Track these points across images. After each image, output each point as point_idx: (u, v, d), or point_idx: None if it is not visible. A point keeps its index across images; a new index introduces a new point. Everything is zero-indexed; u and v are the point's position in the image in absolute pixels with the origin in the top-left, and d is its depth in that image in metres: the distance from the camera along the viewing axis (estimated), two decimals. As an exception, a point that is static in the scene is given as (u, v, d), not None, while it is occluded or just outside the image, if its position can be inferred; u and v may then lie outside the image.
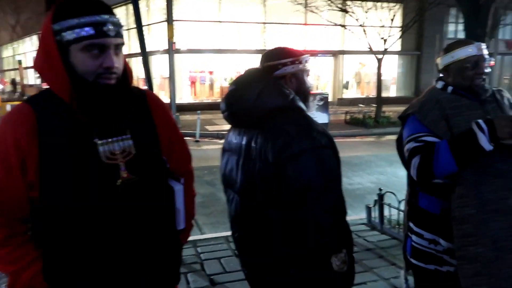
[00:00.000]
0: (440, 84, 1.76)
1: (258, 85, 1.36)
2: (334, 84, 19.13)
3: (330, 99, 13.74)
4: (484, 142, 1.46)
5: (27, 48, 30.98)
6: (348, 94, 19.34)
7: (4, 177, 1.07)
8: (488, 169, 1.55)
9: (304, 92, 1.48)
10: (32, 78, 27.51)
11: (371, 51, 12.61)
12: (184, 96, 16.69)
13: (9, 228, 1.10)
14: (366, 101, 16.53)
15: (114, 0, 16.38)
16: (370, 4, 12.58)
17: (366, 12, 12.53)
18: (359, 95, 19.29)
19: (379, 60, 12.57)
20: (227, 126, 1.61)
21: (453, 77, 1.70)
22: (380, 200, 3.95)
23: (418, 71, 20.06)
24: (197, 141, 10.43)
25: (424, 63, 19.57)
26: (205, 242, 3.72)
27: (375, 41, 12.64)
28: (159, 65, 16.40)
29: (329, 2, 12.66)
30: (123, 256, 1.14)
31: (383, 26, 12.47)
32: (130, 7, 14.28)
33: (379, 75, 12.96)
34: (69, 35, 1.05)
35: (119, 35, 1.10)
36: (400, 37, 13.14)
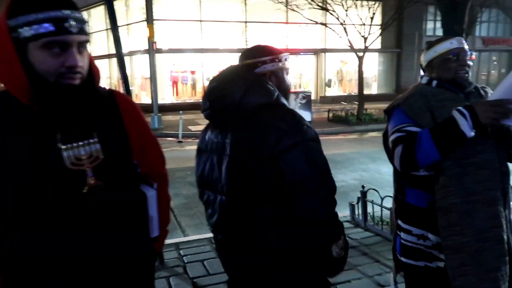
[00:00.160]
0: (425, 80, 1.78)
1: (243, 82, 1.34)
2: (316, 82, 19.24)
3: (312, 97, 13.80)
4: (465, 127, 1.46)
5: None
6: (331, 92, 19.47)
7: None
8: (472, 160, 1.56)
9: (284, 90, 1.47)
10: None
11: (352, 49, 12.72)
12: (166, 97, 16.51)
13: None
14: (349, 98, 16.67)
15: (92, 0, 16.08)
16: (350, 2, 12.67)
17: (347, 10, 12.63)
18: (341, 93, 19.44)
19: (360, 58, 12.70)
20: (209, 126, 1.57)
21: (437, 71, 1.73)
22: (363, 197, 3.96)
23: (399, 68, 20.37)
24: (180, 141, 10.33)
25: (404, 60, 19.89)
26: (188, 244, 3.67)
27: (356, 39, 12.75)
28: (140, 65, 16.18)
29: (310, 0, 12.70)
30: (91, 270, 1.08)
31: (363, 24, 12.60)
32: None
33: (360, 72, 13.08)
34: (26, 32, 0.97)
35: (82, 32, 1.03)
36: (380, 35, 13.30)
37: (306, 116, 10.72)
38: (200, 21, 16.31)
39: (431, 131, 1.52)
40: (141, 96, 16.98)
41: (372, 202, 3.88)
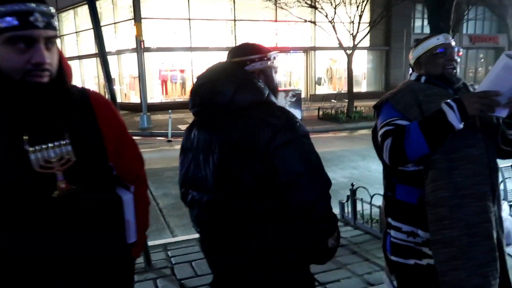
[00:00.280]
0: (413, 76, 1.80)
1: (234, 79, 1.33)
2: (306, 80, 19.27)
3: (303, 95, 13.83)
4: (453, 119, 1.45)
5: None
6: (321, 90, 19.52)
7: None
8: (460, 154, 1.56)
9: (272, 89, 1.46)
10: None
11: (341, 47, 12.74)
12: (155, 96, 16.37)
13: None
14: (338, 96, 16.72)
15: (78, -2, 15.86)
16: (338, 0, 12.71)
17: (335, 8, 12.65)
18: (331, 91, 19.49)
19: (349, 56, 12.73)
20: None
21: (425, 68, 1.75)
22: (352, 196, 3.94)
23: (388, 66, 20.49)
24: (169, 141, 10.24)
25: (393, 57, 20.02)
26: (177, 245, 3.61)
27: (345, 37, 12.77)
28: (128, 64, 16.01)
29: (298, -2, 12.70)
30: (66, 270, 1.02)
31: (352, 22, 12.63)
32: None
33: (349, 70, 13.11)
34: None
35: (50, 26, 0.96)
36: (368, 33, 13.35)
37: (296, 114, 10.58)
38: (189, 19, 16.20)
39: (420, 124, 1.52)
40: (130, 95, 16.81)
41: (361, 200, 3.86)
